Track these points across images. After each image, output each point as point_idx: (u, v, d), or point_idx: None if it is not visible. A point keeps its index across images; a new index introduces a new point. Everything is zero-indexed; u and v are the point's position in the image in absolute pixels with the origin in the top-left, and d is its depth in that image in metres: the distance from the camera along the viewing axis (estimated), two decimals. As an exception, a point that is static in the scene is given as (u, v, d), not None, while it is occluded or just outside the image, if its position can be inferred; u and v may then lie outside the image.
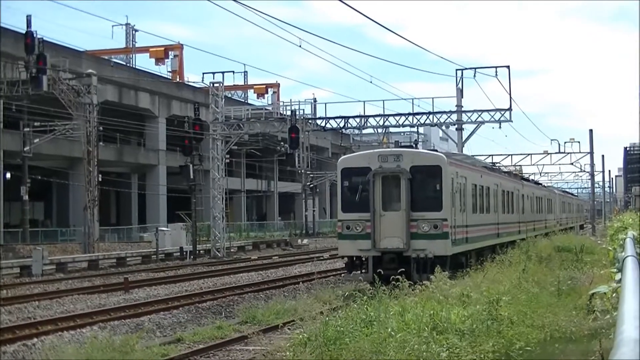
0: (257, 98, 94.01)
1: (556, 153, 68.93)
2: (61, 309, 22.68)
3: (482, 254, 29.11)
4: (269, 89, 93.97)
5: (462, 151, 45.58)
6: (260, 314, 20.00)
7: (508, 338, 12.07)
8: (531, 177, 64.02)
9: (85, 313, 21.38)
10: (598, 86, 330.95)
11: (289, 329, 16.43)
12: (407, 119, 47.32)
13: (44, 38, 42.60)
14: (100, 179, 47.21)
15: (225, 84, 57.62)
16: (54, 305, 23.65)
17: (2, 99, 45.39)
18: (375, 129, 50.19)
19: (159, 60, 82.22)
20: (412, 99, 78.66)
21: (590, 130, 67.37)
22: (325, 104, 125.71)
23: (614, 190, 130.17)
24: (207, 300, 24.53)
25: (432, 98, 52.05)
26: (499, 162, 58.63)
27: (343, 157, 28.41)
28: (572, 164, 70.89)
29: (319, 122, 51.39)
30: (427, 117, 47.09)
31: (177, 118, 65.25)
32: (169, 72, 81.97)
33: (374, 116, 48.15)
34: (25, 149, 51.83)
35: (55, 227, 62.64)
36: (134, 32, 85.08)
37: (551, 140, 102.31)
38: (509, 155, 66.58)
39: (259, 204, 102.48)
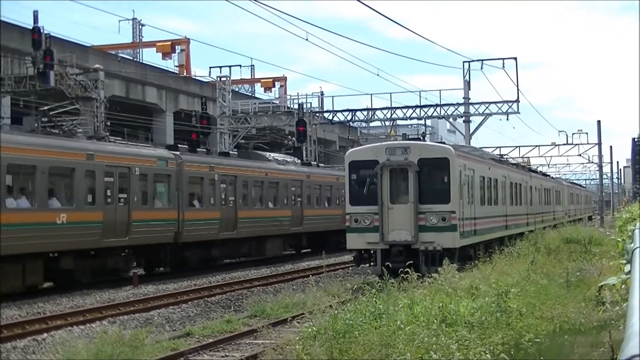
0: (264, 92, 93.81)
1: (564, 144, 68.92)
2: (70, 304, 22.73)
3: (490, 246, 29.11)
4: (276, 83, 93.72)
5: (469, 143, 45.52)
6: (269, 308, 20.02)
7: (517, 330, 12.06)
8: (539, 169, 63.87)
9: (94, 308, 21.43)
10: (606, 78, 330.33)
11: (298, 322, 16.41)
12: (414, 111, 47.30)
13: (51, 33, 42.64)
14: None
15: (232, 78, 57.59)
16: (63, 300, 23.70)
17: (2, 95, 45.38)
18: (382, 122, 50.18)
19: (166, 55, 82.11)
20: (420, 92, 78.78)
21: (598, 122, 67.28)
22: (333, 97, 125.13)
23: (622, 182, 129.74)
24: (216, 294, 24.58)
25: (440, 90, 52.10)
26: (506, 154, 58.54)
27: (351, 150, 28.36)
28: (580, 155, 70.87)
29: (326, 115, 51.46)
30: (435, 110, 47.05)
31: (185, 112, 65.25)
32: (176, 66, 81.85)
33: (381, 109, 48.15)
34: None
35: (64, 222, 62.71)
36: (140, 26, 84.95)
37: (559, 131, 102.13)
38: (516, 147, 66.56)
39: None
